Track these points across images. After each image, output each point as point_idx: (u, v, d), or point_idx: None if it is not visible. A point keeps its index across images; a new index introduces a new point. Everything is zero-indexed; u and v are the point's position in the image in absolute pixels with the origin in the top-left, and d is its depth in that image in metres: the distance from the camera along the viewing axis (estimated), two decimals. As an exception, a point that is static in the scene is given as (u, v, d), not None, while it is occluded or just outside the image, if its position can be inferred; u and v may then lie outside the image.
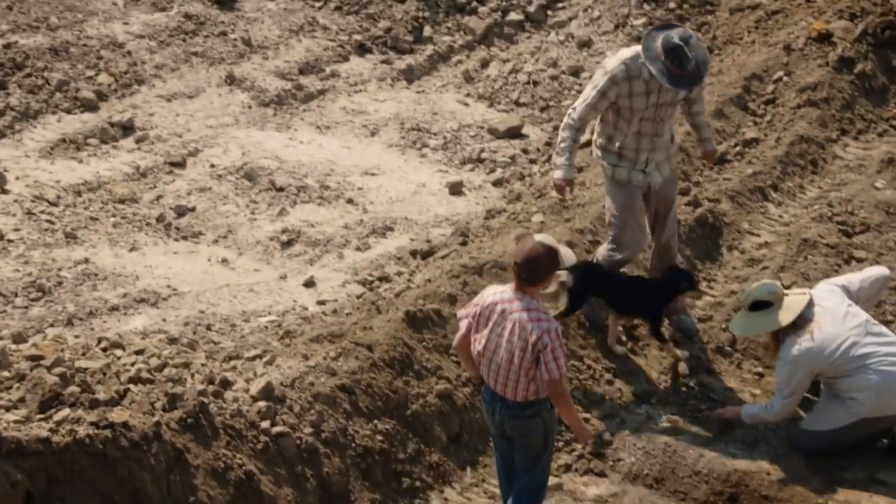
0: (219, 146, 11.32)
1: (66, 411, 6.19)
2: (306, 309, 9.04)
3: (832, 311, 7.56)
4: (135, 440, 6.21)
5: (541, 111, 12.48)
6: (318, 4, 14.09)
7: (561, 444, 7.57)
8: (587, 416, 7.81)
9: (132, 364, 6.92)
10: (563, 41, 13.62)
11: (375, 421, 7.25)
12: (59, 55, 12.34)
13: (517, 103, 12.61)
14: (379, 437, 7.20)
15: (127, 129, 11.45)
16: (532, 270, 6.16)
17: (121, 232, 9.87)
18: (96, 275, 9.19)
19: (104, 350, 7.17)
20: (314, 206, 10.55)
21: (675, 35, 7.65)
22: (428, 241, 9.99)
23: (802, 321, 7.55)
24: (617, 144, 8.11)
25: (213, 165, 10.98)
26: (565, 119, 8.09)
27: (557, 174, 8.08)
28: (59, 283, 9.01)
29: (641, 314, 8.39)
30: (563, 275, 8.21)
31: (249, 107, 12.11)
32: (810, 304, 7.61)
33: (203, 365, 7.29)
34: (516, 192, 10.63)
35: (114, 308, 8.79)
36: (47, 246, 9.49)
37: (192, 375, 7.00)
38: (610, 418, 7.92)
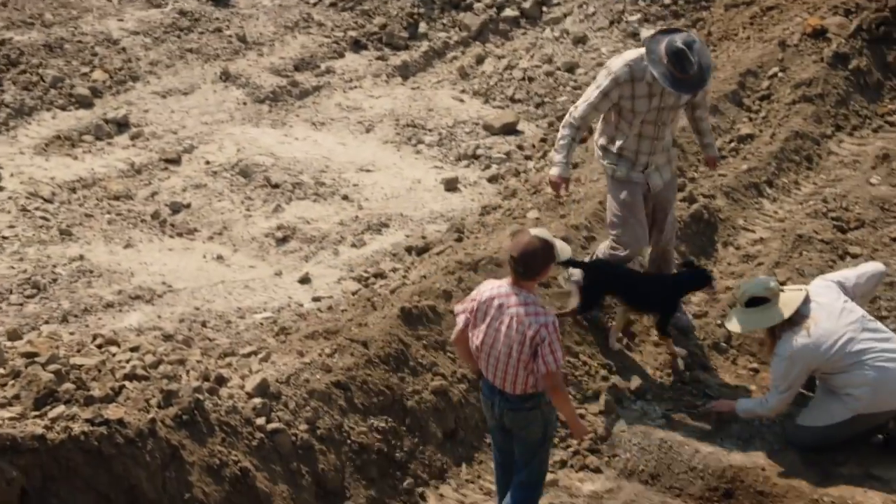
0: (214, 143, 11.31)
1: (61, 408, 6.18)
2: (301, 305, 9.05)
3: (828, 308, 7.57)
4: (130, 437, 6.20)
5: (536, 107, 12.48)
6: (312, 1, 14.09)
7: (556, 440, 7.56)
8: (582, 411, 7.81)
9: (127, 361, 6.90)
10: (559, 37, 13.61)
11: (371, 417, 7.25)
12: (53, 52, 12.33)
13: (512, 99, 12.61)
14: (374, 434, 7.20)
15: (122, 125, 11.44)
16: (528, 264, 6.18)
17: (116, 229, 9.86)
18: (91, 272, 9.18)
19: (99, 347, 7.16)
20: (309, 202, 10.55)
21: (678, 39, 7.63)
22: (423, 238, 9.99)
23: (799, 317, 7.55)
24: (617, 145, 8.10)
25: (208, 162, 10.97)
26: (566, 117, 8.08)
27: (554, 171, 8.08)
28: (54, 280, 9.00)
29: (655, 309, 8.36)
30: (576, 273, 8.23)
31: (244, 103, 12.11)
32: (806, 301, 7.61)
33: (198, 362, 7.28)
34: (511, 188, 10.62)
35: (109, 305, 8.78)
36: (42, 243, 9.48)
37: (188, 372, 6.99)
38: (605, 414, 7.92)
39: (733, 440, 7.78)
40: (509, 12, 13.97)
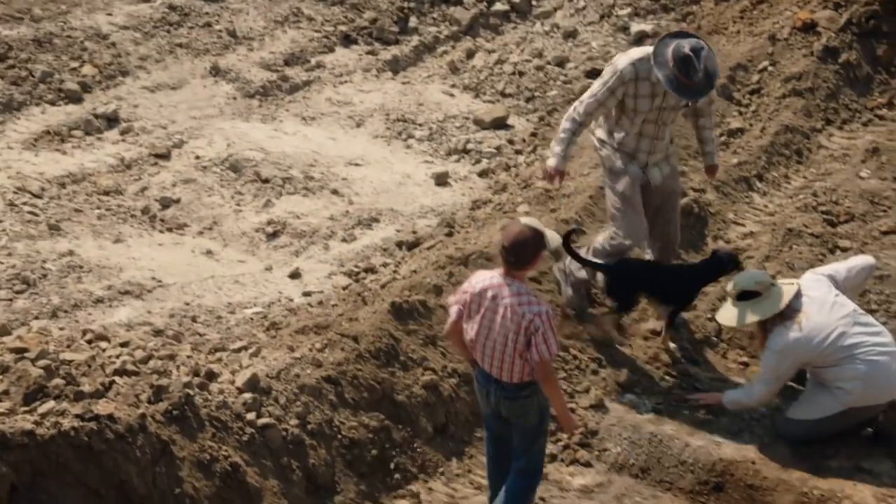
0: (204, 138, 11.29)
1: (50, 404, 6.16)
2: (292, 300, 9.03)
3: (820, 301, 7.57)
4: (120, 432, 6.19)
5: (526, 102, 12.48)
6: (302, -5, 14.07)
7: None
8: (573, 405, 7.81)
9: (117, 356, 6.89)
10: (549, 32, 13.62)
11: (361, 412, 7.24)
12: (42, 46, 12.29)
13: (503, 94, 12.61)
14: (365, 429, 7.19)
15: (111, 120, 11.42)
16: (519, 254, 6.20)
17: (105, 224, 9.84)
18: (81, 267, 9.16)
19: (89, 342, 7.14)
20: (299, 197, 10.54)
21: (686, 45, 7.63)
22: (414, 232, 9.99)
23: (790, 311, 7.55)
24: (616, 139, 8.10)
25: (197, 157, 10.95)
26: (570, 110, 8.07)
27: (551, 161, 8.09)
28: (44, 276, 8.98)
29: (678, 301, 8.37)
30: (600, 280, 8.26)
31: (234, 98, 12.09)
32: (798, 295, 7.60)
33: (188, 357, 7.27)
34: (502, 182, 10.62)
35: (98, 300, 8.76)
36: (31, 238, 9.45)
37: (178, 367, 6.98)
38: (595, 408, 7.92)
39: (723, 433, 7.78)
40: (499, 6, 13.97)
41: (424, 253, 9.23)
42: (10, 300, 8.64)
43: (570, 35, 13.50)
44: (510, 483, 6.62)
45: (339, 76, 12.76)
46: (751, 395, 7.71)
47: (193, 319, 8.62)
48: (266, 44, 13.12)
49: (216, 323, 8.63)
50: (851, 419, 7.55)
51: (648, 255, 8.66)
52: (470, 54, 13.23)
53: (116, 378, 6.58)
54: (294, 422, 6.92)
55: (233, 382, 6.95)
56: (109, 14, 13.15)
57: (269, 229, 10.00)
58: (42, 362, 6.43)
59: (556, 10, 13.99)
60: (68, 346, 6.95)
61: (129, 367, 6.73)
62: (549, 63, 13.00)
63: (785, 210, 10.05)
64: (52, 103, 11.56)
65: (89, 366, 6.62)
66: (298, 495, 6.76)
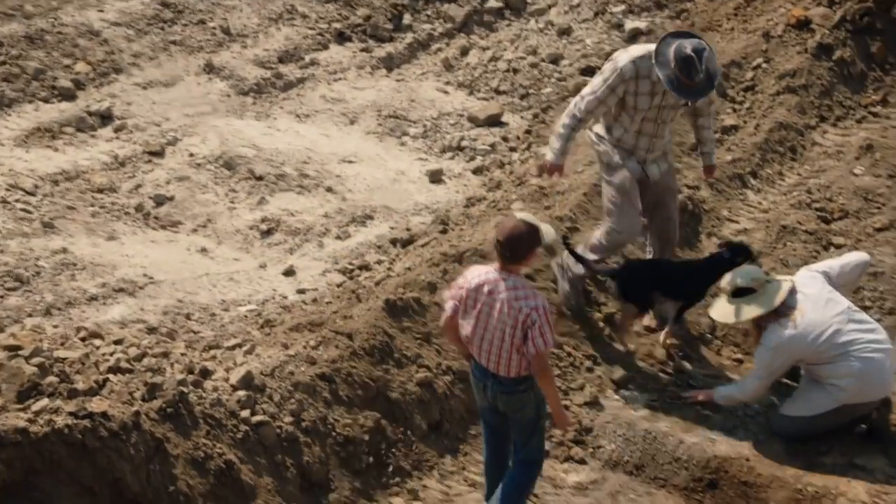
0: (197, 135, 11.26)
1: (44, 401, 6.16)
2: (286, 298, 9.02)
3: (814, 298, 7.58)
4: (114, 430, 6.18)
5: (520, 99, 12.46)
6: (296, -8, 14.04)
7: (541, 431, 7.57)
8: (567, 403, 7.81)
9: (111, 354, 6.88)
10: (543, 29, 13.60)
11: (356, 409, 7.24)
12: (34, 43, 12.25)
13: (497, 91, 12.59)
14: (359, 426, 7.19)
15: (105, 118, 11.39)
16: (514, 248, 6.21)
17: (99, 221, 9.82)
18: (74, 264, 9.14)
19: (83, 340, 7.14)
20: (293, 194, 10.52)
21: (688, 45, 7.62)
22: (408, 230, 9.98)
23: (785, 308, 7.56)
24: (615, 136, 8.10)
25: (191, 154, 10.93)
26: (571, 106, 8.06)
27: (549, 156, 8.10)
28: (37, 273, 8.95)
29: (690, 297, 8.38)
30: (612, 287, 8.28)
31: (228, 95, 12.06)
32: (793, 291, 7.62)
33: (182, 354, 7.26)
34: (496, 179, 10.61)
35: (92, 298, 8.74)
36: (24, 235, 9.43)
37: (172, 365, 6.97)
38: (590, 405, 7.92)
39: (717, 430, 7.79)
40: (493, 4, 13.95)
41: (419, 250, 9.22)
42: (3, 297, 8.61)
43: (565, 32, 13.49)
44: (511, 474, 6.66)
45: (333, 73, 12.74)
46: (743, 389, 7.73)
47: (187, 317, 8.61)
48: (260, 41, 13.10)
49: (210, 320, 8.62)
50: (845, 416, 7.57)
51: (649, 256, 8.66)
52: (464, 51, 13.22)
53: (110, 376, 6.58)
54: (288, 419, 6.91)
55: (227, 380, 6.95)
56: (101, 10, 13.10)
57: (264, 227, 9.99)
58: (36, 360, 6.42)
59: (550, 7, 13.97)
60: (62, 344, 6.95)
61: (123, 364, 6.72)
62: (543, 60, 12.99)
63: (779, 207, 10.06)
64: (46, 100, 11.53)
65: (83, 363, 6.61)
66: (293, 493, 6.76)
